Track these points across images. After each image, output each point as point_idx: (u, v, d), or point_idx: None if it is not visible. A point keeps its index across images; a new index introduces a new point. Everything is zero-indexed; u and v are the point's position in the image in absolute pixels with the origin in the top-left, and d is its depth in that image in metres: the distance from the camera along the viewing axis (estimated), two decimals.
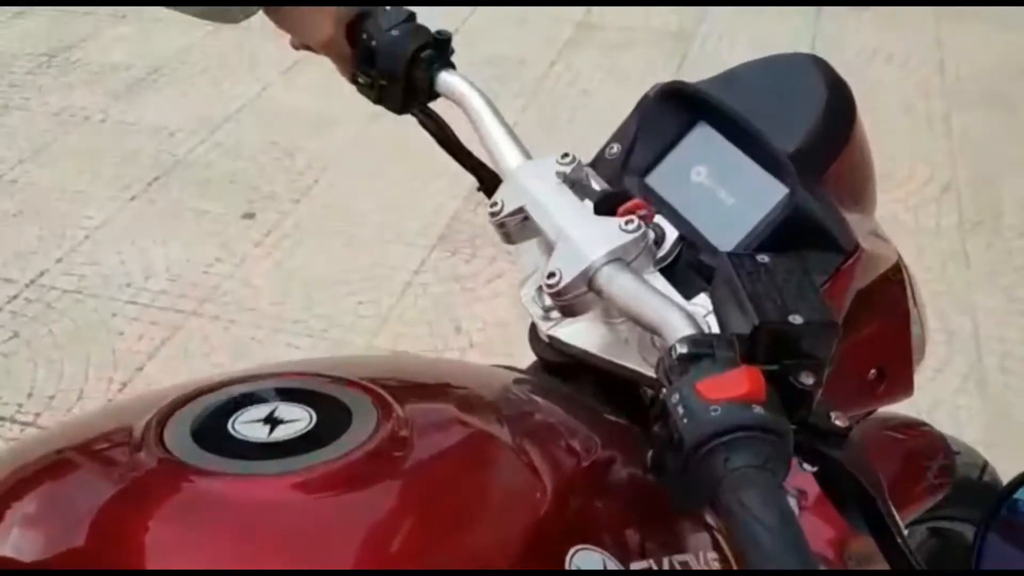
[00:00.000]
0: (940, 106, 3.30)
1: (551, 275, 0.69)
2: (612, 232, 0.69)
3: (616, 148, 0.85)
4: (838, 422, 0.58)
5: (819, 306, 0.57)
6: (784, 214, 0.72)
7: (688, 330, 0.59)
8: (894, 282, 0.82)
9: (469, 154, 0.91)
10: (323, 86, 3.17)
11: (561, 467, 0.61)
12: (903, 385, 0.86)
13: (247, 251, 2.57)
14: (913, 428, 1.23)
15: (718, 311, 0.62)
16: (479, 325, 2.32)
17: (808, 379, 0.56)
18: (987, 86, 3.43)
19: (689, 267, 0.77)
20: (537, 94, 3.30)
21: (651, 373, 0.72)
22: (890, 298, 0.82)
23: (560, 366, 0.82)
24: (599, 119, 3.38)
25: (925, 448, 1.20)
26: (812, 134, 0.74)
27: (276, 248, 2.59)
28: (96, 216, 2.69)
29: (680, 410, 0.52)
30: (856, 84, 0.80)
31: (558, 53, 3.61)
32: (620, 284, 0.67)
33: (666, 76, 3.44)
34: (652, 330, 0.63)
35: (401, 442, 0.55)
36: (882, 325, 0.82)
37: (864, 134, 0.79)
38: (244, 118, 3.19)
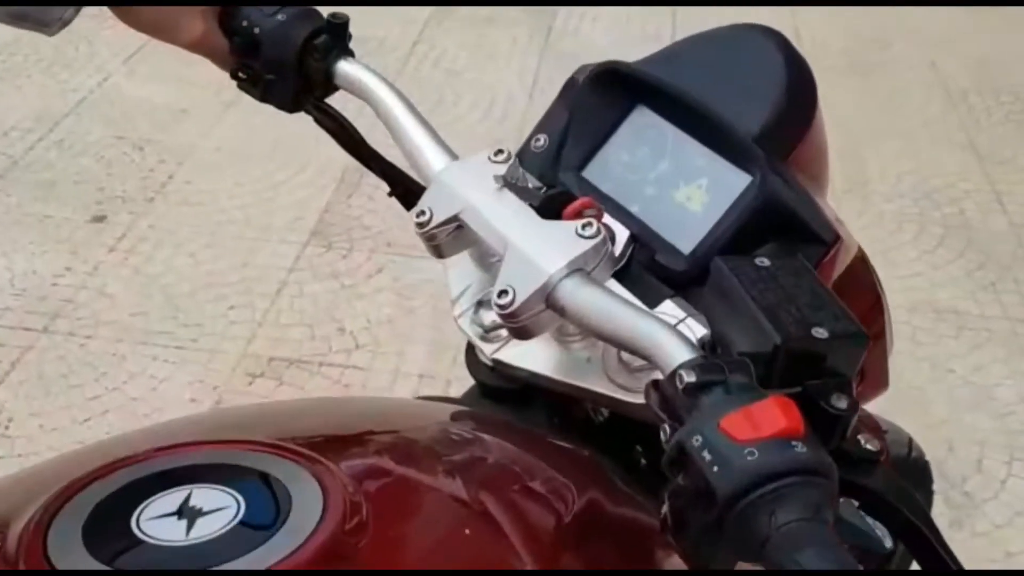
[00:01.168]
0: None
1: (503, 293, 0.59)
2: (568, 239, 0.60)
3: (543, 140, 0.76)
4: (869, 446, 0.50)
5: (842, 314, 0.50)
6: (754, 204, 0.64)
7: (687, 353, 0.51)
8: (864, 270, 0.76)
9: (377, 155, 0.80)
10: (170, 73, 2.95)
11: (544, 524, 0.52)
12: (880, 379, 0.80)
13: (100, 258, 2.36)
14: None
15: (716, 327, 0.54)
16: (363, 324, 2.19)
17: (841, 402, 0.48)
18: (842, 54, 3.50)
19: (644, 271, 0.69)
20: (401, 75, 3.17)
21: (624, 396, 0.63)
22: (862, 288, 0.76)
23: (503, 391, 0.73)
24: (468, 99, 3.28)
25: (857, 428, 1.16)
26: (776, 114, 0.66)
27: (132, 253, 2.38)
28: None
29: (707, 456, 0.43)
30: None
31: (420, 32, 3.48)
32: (587, 300, 0.57)
33: (534, 52, 3.38)
34: (638, 353, 0.54)
35: (359, 528, 0.44)
36: (858, 316, 0.75)
37: (822, 112, 0.72)
38: (86, 112, 2.93)
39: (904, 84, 3.33)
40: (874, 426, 1.16)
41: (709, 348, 0.54)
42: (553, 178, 0.75)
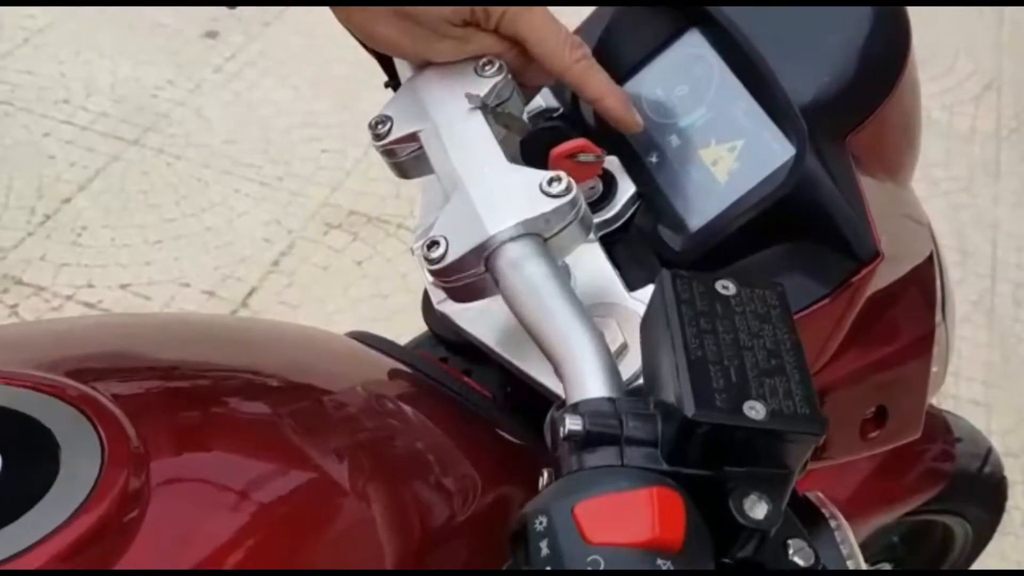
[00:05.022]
0: None
1: (434, 244, 0.48)
2: (528, 193, 0.48)
3: None
4: (797, 558, 0.38)
5: (799, 389, 0.36)
6: (781, 191, 0.50)
7: (596, 388, 0.39)
8: (919, 288, 0.60)
9: None
10: None
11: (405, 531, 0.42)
12: (908, 426, 0.65)
13: (204, 76, 2.31)
14: None
15: (648, 361, 0.41)
16: None
17: (757, 510, 0.35)
18: None
19: (643, 239, 0.56)
20: None
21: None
22: (911, 311, 0.60)
23: (457, 342, 0.62)
24: None
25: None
26: (841, 77, 0.51)
27: (237, 76, 2.33)
28: (39, 17, 2.40)
29: (543, 549, 0.32)
30: None
31: None
32: (523, 276, 0.45)
33: None
34: (552, 364, 0.43)
35: (133, 499, 0.35)
36: (894, 349, 0.60)
37: (915, 75, 0.56)
38: None
39: None
40: (943, 427, 1.01)
41: (632, 389, 0.41)
42: (572, 101, 0.62)
